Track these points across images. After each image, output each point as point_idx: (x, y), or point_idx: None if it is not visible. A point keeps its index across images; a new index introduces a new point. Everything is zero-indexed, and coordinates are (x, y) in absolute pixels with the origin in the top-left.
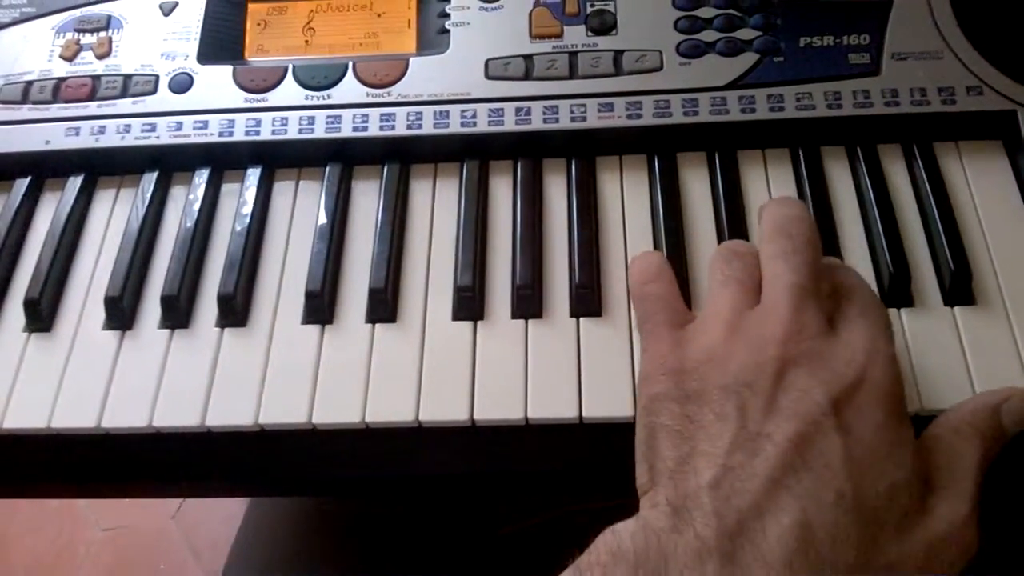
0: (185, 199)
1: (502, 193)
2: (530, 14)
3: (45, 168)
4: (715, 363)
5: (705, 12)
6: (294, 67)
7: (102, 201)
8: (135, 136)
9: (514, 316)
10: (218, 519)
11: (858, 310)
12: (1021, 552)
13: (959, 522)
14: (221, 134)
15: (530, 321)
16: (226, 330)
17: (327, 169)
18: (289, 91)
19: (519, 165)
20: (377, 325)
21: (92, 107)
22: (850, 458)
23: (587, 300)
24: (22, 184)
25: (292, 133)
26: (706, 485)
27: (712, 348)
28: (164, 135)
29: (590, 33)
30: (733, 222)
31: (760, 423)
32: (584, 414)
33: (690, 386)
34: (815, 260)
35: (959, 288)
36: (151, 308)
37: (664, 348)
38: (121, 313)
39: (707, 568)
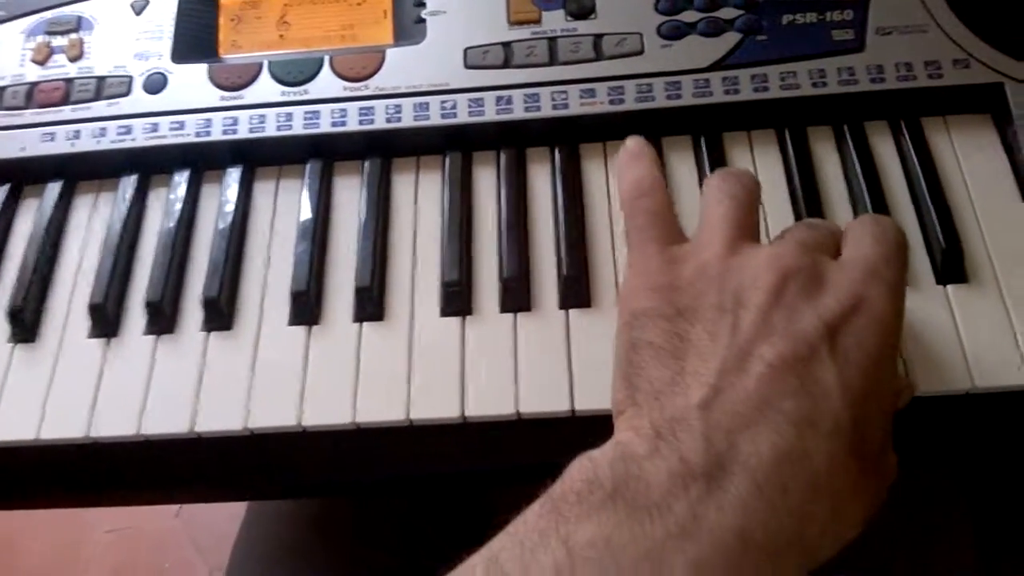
0: (165, 201)
1: (486, 184)
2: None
3: (22, 175)
4: (710, 280)
5: None
6: (269, 63)
7: (81, 206)
8: (111, 139)
9: (503, 310)
10: (223, 517)
11: (871, 238)
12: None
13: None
14: (198, 134)
15: (519, 314)
16: (212, 334)
17: (307, 166)
18: (265, 87)
19: (502, 155)
20: (364, 324)
21: (66, 111)
22: (846, 387)
23: (576, 291)
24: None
25: (270, 130)
26: (695, 406)
27: (707, 265)
28: (140, 137)
29: (569, 17)
30: None
31: (753, 343)
32: (576, 407)
33: (682, 303)
34: (833, 236)
35: (951, 266)
36: (136, 314)
37: (654, 264)
38: (106, 320)
39: (691, 492)
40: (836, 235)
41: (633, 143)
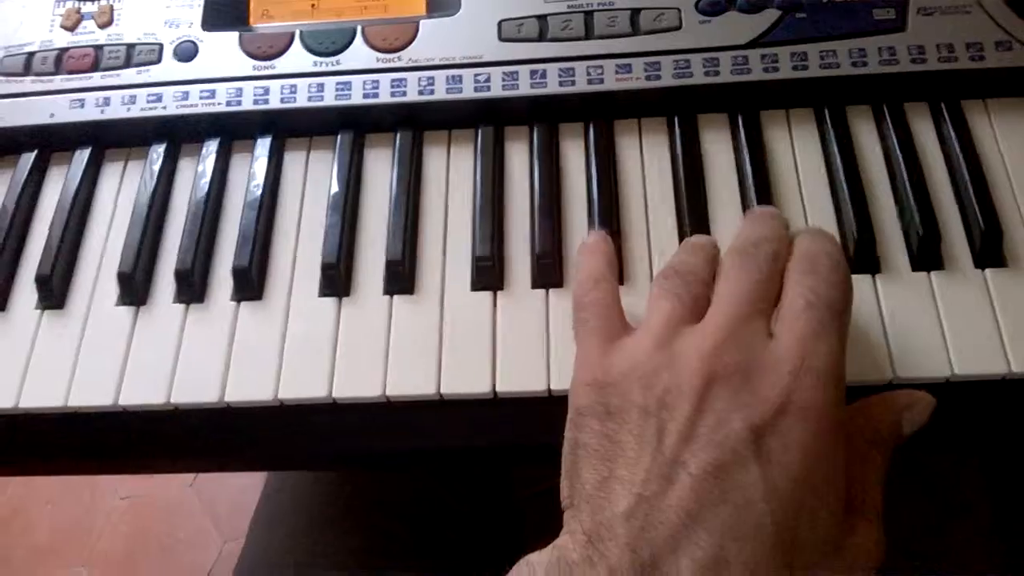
0: (195, 170)
1: (518, 159)
2: None
3: (51, 141)
4: (637, 378)
5: None
6: (301, 32)
7: (110, 174)
8: (141, 107)
9: (534, 286)
10: (235, 487)
11: (804, 301)
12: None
13: (874, 542)
14: (229, 103)
15: (551, 290)
16: (242, 304)
17: (339, 138)
18: (297, 57)
19: (535, 130)
20: (395, 297)
21: (96, 78)
22: (770, 489)
23: None
24: (28, 158)
25: (301, 101)
26: (620, 515)
27: (636, 361)
28: (171, 105)
29: None
30: (758, 185)
31: (677, 450)
32: None
33: (611, 402)
34: (768, 281)
35: (990, 249)
36: (165, 282)
37: (592, 357)
38: (134, 288)
39: None
40: (780, 265)
41: (592, 237)
